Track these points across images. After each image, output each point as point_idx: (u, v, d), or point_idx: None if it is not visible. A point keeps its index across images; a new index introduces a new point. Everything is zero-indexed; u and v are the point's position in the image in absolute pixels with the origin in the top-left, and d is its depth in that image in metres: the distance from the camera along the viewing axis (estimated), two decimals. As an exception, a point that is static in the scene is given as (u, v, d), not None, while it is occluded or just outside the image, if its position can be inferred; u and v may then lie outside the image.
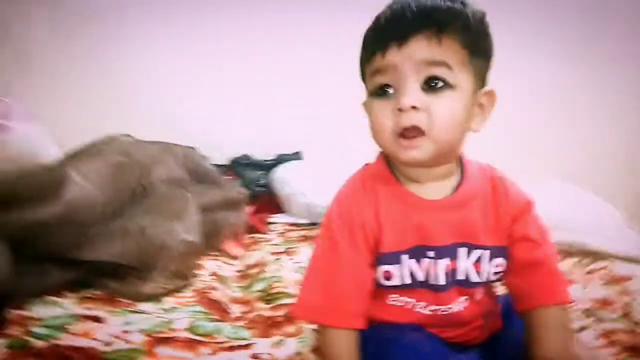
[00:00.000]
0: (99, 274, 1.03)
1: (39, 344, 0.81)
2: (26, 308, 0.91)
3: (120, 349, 0.83)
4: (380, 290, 0.70)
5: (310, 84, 1.75)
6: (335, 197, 0.71)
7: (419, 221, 0.67)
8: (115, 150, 1.28)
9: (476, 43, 0.64)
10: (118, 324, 0.90)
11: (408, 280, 0.68)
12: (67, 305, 0.95)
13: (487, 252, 0.69)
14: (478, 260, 0.69)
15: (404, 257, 0.67)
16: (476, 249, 0.69)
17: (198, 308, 0.99)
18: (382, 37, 0.63)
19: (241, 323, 0.96)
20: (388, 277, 0.68)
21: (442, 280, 0.68)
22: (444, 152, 0.64)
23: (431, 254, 0.67)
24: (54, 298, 0.96)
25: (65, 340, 0.83)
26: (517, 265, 0.71)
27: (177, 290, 1.04)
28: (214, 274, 1.14)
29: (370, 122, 0.66)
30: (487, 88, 0.67)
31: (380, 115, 0.63)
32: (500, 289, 0.78)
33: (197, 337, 0.89)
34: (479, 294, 0.72)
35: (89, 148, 1.27)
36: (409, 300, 0.70)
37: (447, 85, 0.62)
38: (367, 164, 0.73)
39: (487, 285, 0.74)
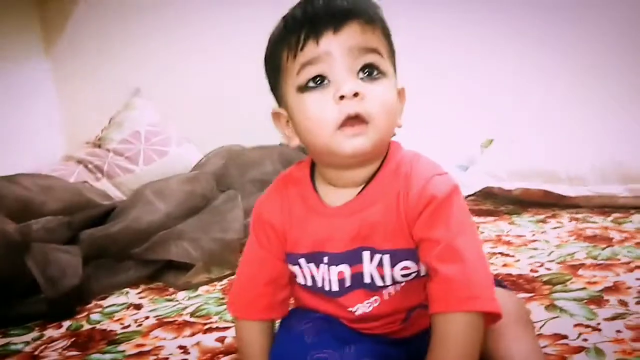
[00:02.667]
0: (162, 269, 1.28)
1: (86, 327, 1.08)
2: (104, 297, 1.22)
3: (129, 331, 1.03)
4: None
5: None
6: (256, 205, 0.74)
7: (316, 227, 0.66)
8: (216, 158, 1.57)
9: (389, 36, 0.64)
10: (148, 310, 1.12)
11: (309, 283, 0.69)
12: (131, 295, 1.22)
13: (387, 256, 0.64)
14: (380, 264, 0.65)
15: (302, 261, 0.68)
16: (377, 253, 0.65)
17: (216, 294, 1.15)
18: (314, 23, 0.60)
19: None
20: (294, 275, 0.71)
21: (335, 287, 0.67)
22: (383, 142, 0.63)
23: (325, 259, 0.67)
24: (128, 289, 1.25)
25: (103, 324, 1.08)
26: (426, 267, 0.63)
27: (216, 280, 1.22)
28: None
29: (303, 119, 0.62)
30: (400, 85, 0.65)
31: (318, 109, 0.60)
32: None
33: (192, 320, 1.04)
34: (387, 294, 0.67)
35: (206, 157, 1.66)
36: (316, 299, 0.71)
37: (381, 72, 0.61)
38: (294, 166, 0.73)
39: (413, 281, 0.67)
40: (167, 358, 0.89)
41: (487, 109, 1.77)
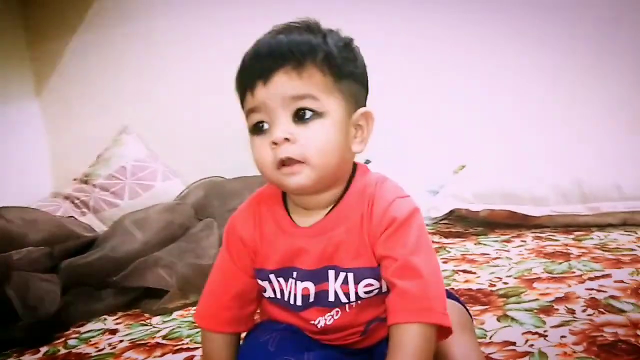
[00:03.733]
0: (140, 297, 1.32)
1: (63, 352, 1.12)
2: (83, 325, 1.25)
3: (102, 353, 1.07)
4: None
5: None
6: (230, 220, 0.78)
7: (286, 245, 0.70)
8: (198, 189, 1.62)
9: (339, 69, 0.67)
10: (122, 335, 1.15)
11: (278, 296, 0.72)
12: (108, 322, 1.25)
13: (352, 275, 0.69)
14: (345, 282, 0.69)
15: (272, 276, 0.72)
16: (342, 271, 0.69)
17: (190, 319, 1.18)
18: (249, 76, 0.66)
19: (222, 329, 1.11)
20: (262, 290, 0.74)
21: (298, 302, 0.70)
22: (326, 176, 0.66)
23: (295, 274, 0.71)
24: (106, 316, 1.28)
25: (79, 348, 1.11)
26: (386, 283, 0.68)
27: (190, 304, 1.26)
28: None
29: (253, 156, 0.68)
30: (363, 109, 0.68)
31: (260, 151, 0.66)
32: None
33: (164, 342, 1.07)
34: (348, 307, 0.71)
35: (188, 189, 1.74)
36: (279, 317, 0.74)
37: (316, 113, 0.65)
38: (268, 185, 0.77)
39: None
40: (135, 375, 0.92)
41: (458, 135, 1.85)
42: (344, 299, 0.69)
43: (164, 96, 2.30)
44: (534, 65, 1.81)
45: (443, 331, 0.64)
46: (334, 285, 0.69)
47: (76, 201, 2.08)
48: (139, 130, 2.29)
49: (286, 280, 0.71)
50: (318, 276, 0.69)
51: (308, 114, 0.64)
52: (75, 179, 2.21)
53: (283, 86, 0.64)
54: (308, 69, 0.64)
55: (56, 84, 2.44)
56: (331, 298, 0.69)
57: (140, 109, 2.33)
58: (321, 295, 0.69)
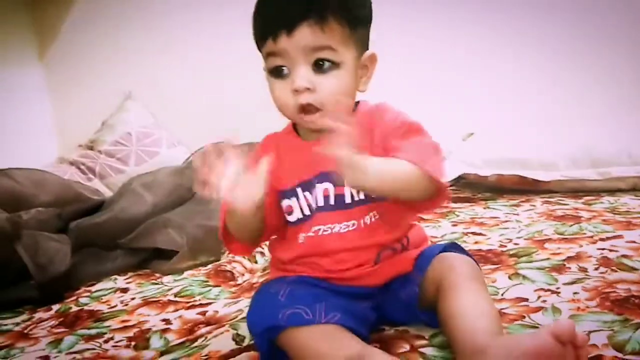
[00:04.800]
0: (150, 257, 1.33)
1: (74, 309, 1.12)
2: (94, 284, 1.26)
3: (115, 310, 1.08)
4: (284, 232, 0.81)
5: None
6: None
7: (307, 157, 0.73)
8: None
9: (356, 17, 0.73)
10: (134, 293, 1.16)
11: (306, 211, 0.77)
12: (119, 281, 1.26)
13: None
14: None
15: (299, 190, 0.77)
16: None
17: (201, 278, 1.19)
18: (271, 24, 0.71)
19: (232, 289, 1.12)
20: (289, 212, 0.78)
21: (320, 202, 0.76)
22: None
23: (315, 180, 0.76)
24: (116, 276, 1.29)
25: (92, 306, 1.12)
26: None
27: (200, 265, 1.26)
28: (246, 250, 1.31)
29: (272, 96, 0.75)
30: (369, 52, 0.76)
31: (281, 94, 0.73)
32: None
33: (176, 299, 1.08)
34: (363, 223, 0.76)
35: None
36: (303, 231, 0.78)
37: (333, 64, 0.71)
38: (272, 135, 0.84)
39: (387, 215, 0.76)
40: (150, 329, 0.93)
41: (467, 102, 1.83)
42: (356, 197, 0.75)
43: (167, 63, 2.28)
44: (546, 33, 1.79)
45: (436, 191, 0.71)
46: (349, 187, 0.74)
47: (82, 167, 2.07)
48: (142, 97, 2.28)
49: (311, 193, 0.76)
50: (334, 178, 0.71)
51: (326, 64, 0.70)
52: (80, 145, 2.20)
53: (306, 38, 0.69)
54: (329, 23, 0.69)
55: (59, 49, 2.41)
56: (347, 199, 0.75)
57: (144, 76, 2.31)
58: (339, 197, 0.75)
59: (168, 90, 2.28)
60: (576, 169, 1.44)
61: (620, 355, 0.64)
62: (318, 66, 0.70)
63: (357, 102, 0.79)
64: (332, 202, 0.76)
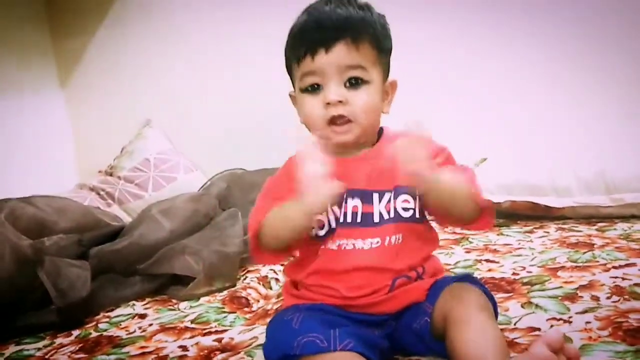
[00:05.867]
0: (168, 283, 1.35)
1: (94, 335, 1.15)
2: (112, 310, 1.28)
3: (133, 336, 1.10)
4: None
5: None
6: (266, 182, 0.88)
7: (337, 172, 0.75)
8: (220, 181, 1.66)
9: (382, 44, 0.80)
10: (152, 319, 1.18)
11: (332, 224, 0.79)
12: (137, 307, 1.28)
13: (391, 193, 0.79)
14: (388, 201, 0.79)
15: None
16: (384, 192, 0.80)
17: (217, 304, 1.21)
18: (311, 43, 0.77)
19: (247, 315, 1.13)
20: (321, 226, 0.80)
21: (349, 219, 0.79)
22: (367, 133, 0.81)
23: (344, 195, 0.78)
24: (134, 302, 1.31)
25: (110, 331, 1.15)
26: None
27: (216, 291, 1.29)
28: (261, 277, 1.33)
29: (303, 112, 0.81)
30: (391, 79, 0.84)
31: (312, 108, 0.79)
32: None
33: (192, 326, 1.10)
34: (388, 241, 0.79)
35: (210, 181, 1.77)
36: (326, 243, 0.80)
37: (364, 81, 0.78)
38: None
39: (410, 242, 0.80)
40: (167, 356, 0.95)
41: (478, 127, 1.85)
42: (385, 216, 0.79)
43: (184, 91, 2.34)
44: (556, 57, 1.80)
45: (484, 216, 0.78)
46: (378, 207, 0.79)
47: (101, 192, 2.12)
48: (161, 124, 2.33)
49: (339, 207, 0.79)
50: (364, 196, 0.79)
51: (359, 81, 0.77)
52: (100, 171, 2.26)
53: (342, 56, 0.76)
54: (363, 43, 0.77)
55: (80, 77, 2.48)
56: (376, 219, 0.79)
57: (162, 103, 2.37)
58: (367, 216, 0.79)
59: (186, 117, 2.34)
60: (589, 194, 1.44)
61: (632, 387, 0.65)
62: (351, 83, 0.77)
63: (381, 128, 0.84)
64: (358, 219, 0.79)
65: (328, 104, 0.76)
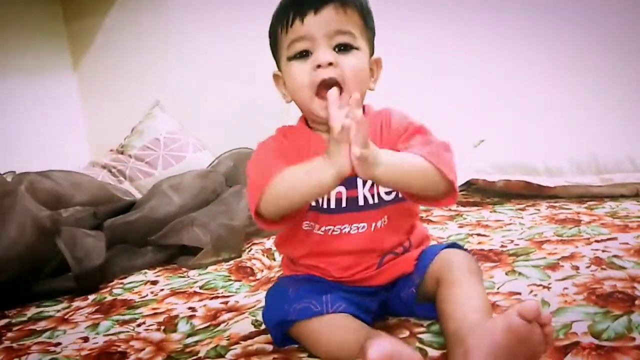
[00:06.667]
0: (177, 254, 1.44)
1: (109, 298, 1.23)
2: (125, 277, 1.37)
3: (146, 299, 1.18)
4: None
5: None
6: (257, 148, 0.85)
7: (321, 154, 0.76)
8: (227, 159, 1.73)
9: (367, 18, 0.81)
10: (163, 285, 1.26)
11: (313, 203, 0.80)
12: (149, 275, 1.37)
13: None
14: (372, 185, 0.80)
15: None
16: None
17: (224, 273, 1.29)
18: (300, 5, 0.77)
19: (252, 283, 1.21)
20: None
21: (332, 205, 0.80)
22: None
23: None
24: (146, 270, 1.40)
25: (124, 296, 1.23)
26: None
27: (222, 261, 1.37)
28: (265, 249, 1.41)
29: (290, 83, 0.79)
30: (375, 56, 0.83)
31: (300, 74, 0.77)
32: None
33: (201, 291, 1.18)
34: (374, 226, 0.81)
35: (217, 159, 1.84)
36: (312, 223, 0.82)
37: (353, 47, 0.78)
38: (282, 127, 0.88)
39: (396, 221, 0.83)
40: (177, 315, 1.03)
41: (475, 109, 1.91)
42: (370, 201, 0.80)
43: (193, 73, 2.40)
44: (551, 41, 1.85)
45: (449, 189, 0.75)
46: (362, 191, 0.80)
47: (113, 170, 2.20)
48: (170, 104, 2.40)
49: None
50: (348, 181, 0.75)
51: (348, 47, 0.77)
52: (111, 150, 2.33)
53: (331, 18, 0.76)
54: (350, 10, 0.77)
55: (92, 59, 2.55)
56: (361, 202, 0.80)
57: (172, 85, 2.44)
58: (352, 200, 0.80)
59: (194, 98, 2.40)
60: (581, 175, 1.50)
61: (596, 341, 0.71)
62: (340, 48, 0.76)
63: (363, 106, 0.80)
64: (343, 204, 0.80)
65: (318, 66, 0.75)
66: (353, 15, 0.78)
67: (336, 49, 0.77)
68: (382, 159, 0.68)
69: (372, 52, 0.83)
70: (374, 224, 0.81)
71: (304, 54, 0.78)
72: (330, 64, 0.75)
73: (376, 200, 0.81)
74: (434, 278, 0.80)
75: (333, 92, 0.70)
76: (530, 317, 0.58)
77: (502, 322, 0.60)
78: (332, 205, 0.81)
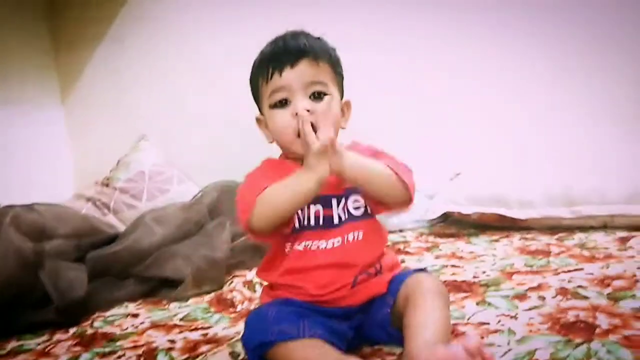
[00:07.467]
0: (159, 286, 1.45)
1: (90, 331, 1.25)
2: (107, 310, 1.38)
3: (126, 332, 1.20)
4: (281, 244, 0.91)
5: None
6: (246, 177, 0.94)
7: None
8: (211, 191, 1.76)
9: (336, 67, 0.93)
10: (144, 317, 1.28)
11: (296, 224, 0.89)
12: (130, 307, 1.38)
13: (344, 196, 0.90)
14: (343, 204, 0.90)
15: None
16: (340, 196, 0.90)
17: (204, 305, 1.31)
18: (278, 61, 0.89)
19: (232, 315, 1.23)
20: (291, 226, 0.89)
21: (312, 222, 0.89)
22: None
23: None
24: (128, 303, 1.41)
25: (105, 328, 1.24)
26: None
27: (204, 293, 1.39)
28: (246, 281, 1.44)
29: (273, 126, 0.90)
30: (345, 99, 0.95)
31: (282, 120, 0.88)
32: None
33: (181, 323, 1.20)
34: (347, 240, 0.89)
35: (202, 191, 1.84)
36: (292, 243, 0.90)
37: (326, 95, 0.89)
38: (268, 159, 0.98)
39: (368, 238, 0.90)
40: (157, 348, 1.05)
41: (453, 143, 1.98)
42: (343, 217, 0.89)
43: (179, 106, 2.46)
44: (522, 79, 1.94)
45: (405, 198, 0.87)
46: (337, 210, 0.89)
47: (97, 203, 2.22)
48: (156, 137, 2.44)
49: (302, 210, 0.88)
50: (324, 201, 0.88)
51: (322, 94, 0.88)
52: (96, 182, 2.35)
53: (305, 71, 0.87)
54: (322, 63, 0.89)
55: (80, 92, 2.60)
56: (335, 220, 0.89)
57: (157, 118, 2.49)
58: (327, 219, 0.89)
59: (180, 131, 2.45)
60: (552, 207, 1.56)
61: (557, 369, 0.75)
62: (315, 97, 0.87)
63: None
64: (321, 222, 0.89)
65: (297, 114, 0.85)
66: (325, 67, 0.89)
67: (311, 97, 0.87)
68: (349, 154, 0.83)
69: (342, 94, 0.94)
70: (346, 237, 0.89)
71: (283, 102, 0.88)
72: (308, 110, 0.84)
73: (347, 216, 0.90)
74: (404, 299, 0.85)
75: (304, 112, 0.83)
76: (474, 352, 0.64)
77: (446, 351, 0.65)
78: (312, 223, 0.89)
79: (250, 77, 0.95)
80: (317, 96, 0.88)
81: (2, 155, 2.28)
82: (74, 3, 2.56)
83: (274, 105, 0.89)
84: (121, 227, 2.02)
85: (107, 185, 2.31)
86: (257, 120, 0.96)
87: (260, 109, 0.95)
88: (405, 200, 0.88)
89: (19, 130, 2.36)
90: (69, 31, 2.59)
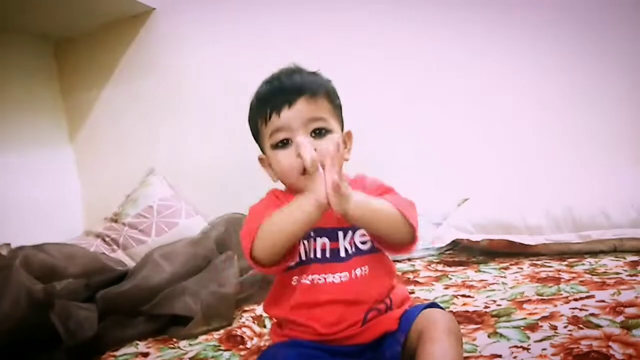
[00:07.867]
0: (169, 323, 1.45)
1: (102, 372, 1.24)
2: (118, 350, 1.37)
3: (137, 372, 1.20)
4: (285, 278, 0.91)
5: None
6: (250, 209, 0.95)
7: None
8: (219, 225, 1.76)
9: (334, 100, 0.93)
10: (154, 357, 1.28)
11: (297, 259, 0.89)
12: (140, 346, 1.38)
13: (351, 230, 0.90)
14: (350, 237, 0.89)
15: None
16: (347, 230, 0.90)
17: (214, 342, 1.30)
18: (275, 101, 0.89)
19: (242, 352, 1.23)
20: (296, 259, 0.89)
21: (318, 255, 0.89)
22: None
23: (312, 233, 0.89)
24: (137, 342, 1.41)
25: (116, 369, 1.25)
26: None
27: (213, 330, 1.38)
28: (255, 317, 1.43)
29: (277, 167, 0.90)
30: (346, 130, 0.95)
31: (285, 160, 0.88)
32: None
33: (191, 362, 1.20)
34: (354, 275, 0.88)
35: (210, 224, 1.85)
36: (299, 276, 0.89)
37: (327, 130, 0.89)
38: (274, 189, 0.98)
39: (374, 271, 0.90)
40: (167, 388, 1.05)
41: (460, 170, 1.98)
42: (350, 251, 0.89)
43: (185, 141, 2.49)
44: (529, 106, 1.94)
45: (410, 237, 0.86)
46: (343, 243, 0.89)
47: (107, 239, 2.24)
48: (164, 172, 2.47)
49: (307, 240, 0.88)
50: (331, 234, 0.88)
51: (323, 131, 0.88)
52: (105, 218, 2.38)
53: (304, 109, 0.87)
54: (319, 99, 0.88)
55: (88, 131, 2.65)
56: (342, 254, 0.88)
57: (165, 153, 2.52)
58: (334, 252, 0.89)
59: (188, 166, 2.48)
60: (560, 232, 1.55)
61: (570, 402, 0.74)
62: (316, 133, 0.87)
63: None
64: (327, 255, 0.88)
65: (300, 154, 0.82)
66: (322, 102, 0.89)
67: (312, 134, 0.87)
68: (354, 195, 0.80)
69: (342, 125, 0.94)
70: (353, 272, 0.88)
71: (285, 142, 0.88)
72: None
73: (354, 250, 0.89)
74: (416, 336, 0.84)
75: (301, 139, 0.83)
76: None
77: None
78: (319, 256, 0.89)
79: (249, 117, 0.95)
80: (319, 133, 0.87)
81: (12, 195, 2.31)
82: (80, 48, 2.63)
83: (276, 146, 0.89)
84: (131, 263, 2.04)
85: (115, 221, 2.33)
86: (260, 160, 0.96)
87: (262, 149, 0.95)
88: (410, 242, 0.87)
89: (29, 171, 2.41)
90: (76, 72, 2.65)
